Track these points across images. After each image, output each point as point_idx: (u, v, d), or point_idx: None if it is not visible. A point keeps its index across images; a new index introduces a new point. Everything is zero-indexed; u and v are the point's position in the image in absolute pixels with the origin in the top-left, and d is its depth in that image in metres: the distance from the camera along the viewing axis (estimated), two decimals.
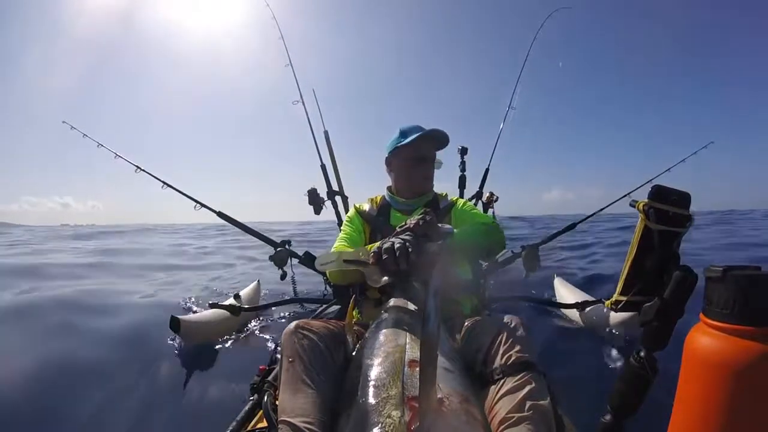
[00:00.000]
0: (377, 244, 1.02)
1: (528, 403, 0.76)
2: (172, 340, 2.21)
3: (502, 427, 0.74)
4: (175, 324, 2.04)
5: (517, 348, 0.85)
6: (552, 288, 3.12)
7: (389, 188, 1.49)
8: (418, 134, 1.33)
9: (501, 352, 0.85)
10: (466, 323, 1.00)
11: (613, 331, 2.17)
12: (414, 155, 1.36)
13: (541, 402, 0.78)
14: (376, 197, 1.50)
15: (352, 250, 1.16)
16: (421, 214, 1.01)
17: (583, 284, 3.35)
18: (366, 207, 1.45)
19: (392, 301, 1.03)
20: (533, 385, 0.79)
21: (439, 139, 1.37)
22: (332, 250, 1.31)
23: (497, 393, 0.80)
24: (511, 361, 0.83)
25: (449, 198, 1.47)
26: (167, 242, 11.18)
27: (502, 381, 0.81)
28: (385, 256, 0.92)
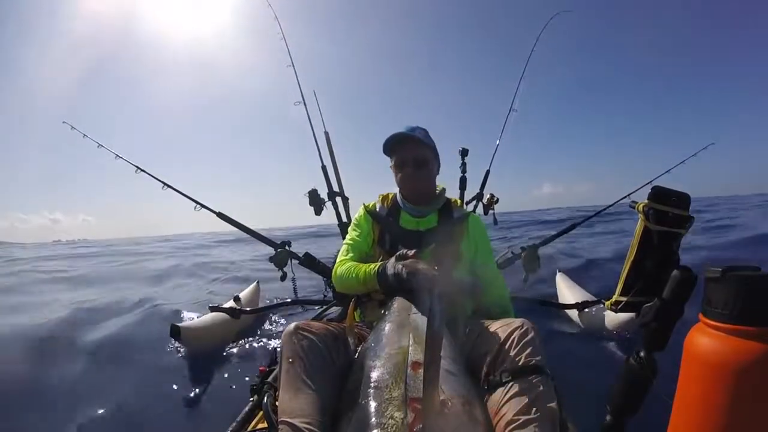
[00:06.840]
0: (377, 267, 1.09)
1: (535, 406, 0.76)
2: (173, 344, 2.21)
3: (509, 428, 0.74)
4: (175, 331, 2.03)
5: (528, 351, 0.85)
6: (554, 283, 3.12)
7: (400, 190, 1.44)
8: (388, 141, 1.30)
9: (511, 355, 0.85)
10: (475, 325, 1.00)
11: (613, 331, 2.17)
12: (396, 162, 1.32)
13: (549, 405, 0.78)
14: (388, 195, 1.42)
15: (360, 263, 1.21)
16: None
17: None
18: (377, 206, 1.40)
19: (396, 302, 1.02)
20: (541, 388, 0.79)
21: (403, 140, 1.29)
22: (339, 256, 1.29)
23: (505, 395, 0.80)
24: (520, 364, 0.83)
25: (463, 209, 1.40)
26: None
27: (510, 383, 0.81)
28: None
